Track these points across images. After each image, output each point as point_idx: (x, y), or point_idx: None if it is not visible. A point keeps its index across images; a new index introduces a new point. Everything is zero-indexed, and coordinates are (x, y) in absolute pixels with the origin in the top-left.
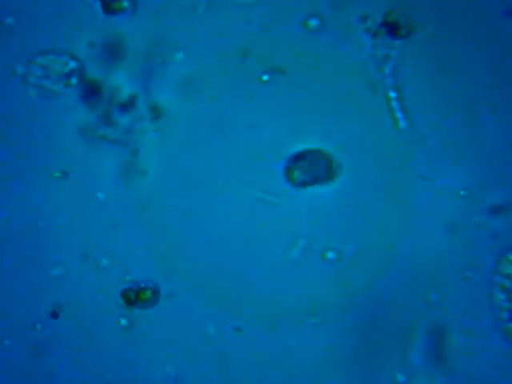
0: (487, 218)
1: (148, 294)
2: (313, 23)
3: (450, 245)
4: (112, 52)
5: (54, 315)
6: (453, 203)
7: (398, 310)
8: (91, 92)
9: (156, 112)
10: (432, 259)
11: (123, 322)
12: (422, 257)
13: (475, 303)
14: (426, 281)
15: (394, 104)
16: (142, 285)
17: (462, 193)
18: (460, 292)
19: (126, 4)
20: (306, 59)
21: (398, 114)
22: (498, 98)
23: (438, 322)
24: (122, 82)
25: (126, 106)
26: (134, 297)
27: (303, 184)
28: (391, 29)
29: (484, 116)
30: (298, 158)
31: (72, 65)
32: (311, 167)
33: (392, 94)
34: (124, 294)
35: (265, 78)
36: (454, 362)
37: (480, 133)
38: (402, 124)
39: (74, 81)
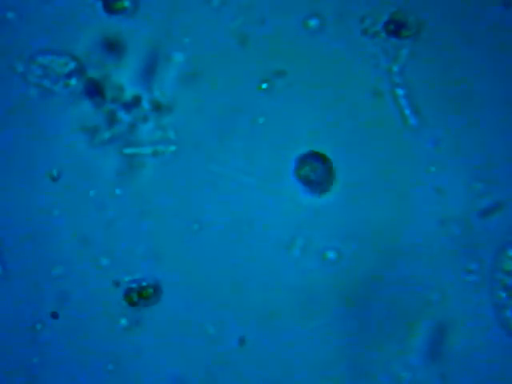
0: (487, 215)
1: (149, 291)
2: (313, 23)
3: (450, 243)
4: (114, 51)
5: (54, 315)
6: (453, 201)
7: (399, 309)
8: (93, 91)
9: (159, 109)
10: (432, 258)
11: (123, 321)
12: (422, 256)
13: (476, 301)
14: (427, 279)
15: (403, 102)
16: (144, 283)
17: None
18: (461, 290)
19: (127, 4)
20: (306, 59)
21: (407, 111)
22: (504, 95)
23: (439, 320)
24: (124, 81)
25: (129, 105)
26: (136, 298)
27: (308, 181)
28: (396, 28)
29: (490, 113)
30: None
31: (72, 65)
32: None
33: (400, 92)
34: (126, 296)
35: (264, 86)
36: (455, 359)
37: (485, 130)
38: (412, 121)
39: (73, 81)
